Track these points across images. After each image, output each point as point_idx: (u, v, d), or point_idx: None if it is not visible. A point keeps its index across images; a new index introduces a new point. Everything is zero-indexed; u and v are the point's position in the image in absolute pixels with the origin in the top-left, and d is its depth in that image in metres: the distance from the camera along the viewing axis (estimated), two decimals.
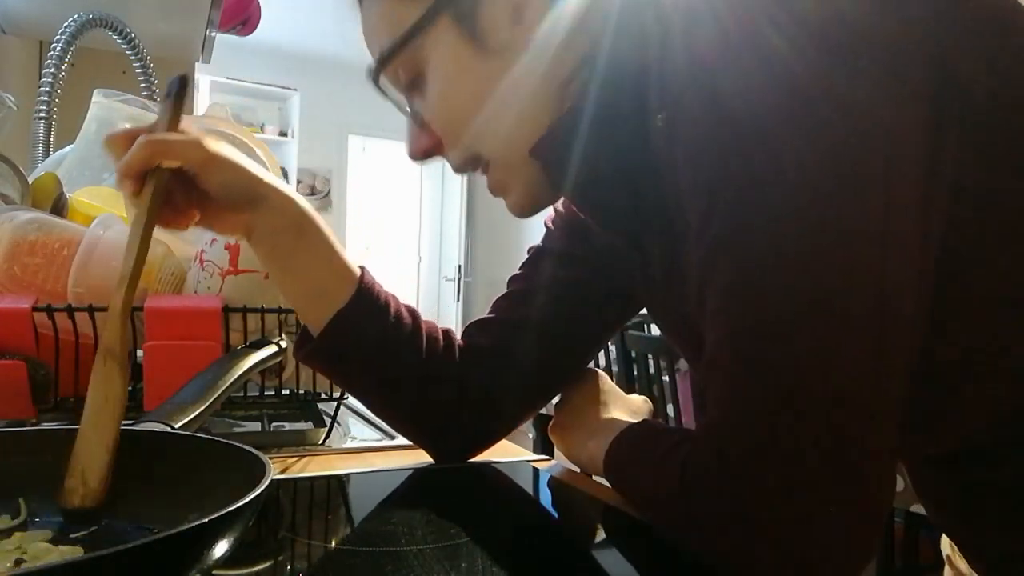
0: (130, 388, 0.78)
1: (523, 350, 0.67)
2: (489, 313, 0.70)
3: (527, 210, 0.59)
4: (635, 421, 0.62)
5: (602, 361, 2.44)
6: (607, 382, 0.71)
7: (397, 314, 0.63)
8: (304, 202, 0.59)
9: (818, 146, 0.40)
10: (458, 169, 0.59)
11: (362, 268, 0.63)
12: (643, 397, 0.72)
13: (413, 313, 0.65)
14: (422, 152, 0.58)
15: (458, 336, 0.69)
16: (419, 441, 0.68)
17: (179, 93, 0.53)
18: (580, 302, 0.68)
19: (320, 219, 0.60)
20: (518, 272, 0.72)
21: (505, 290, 0.71)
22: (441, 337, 0.66)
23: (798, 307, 0.40)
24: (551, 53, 0.53)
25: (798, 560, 0.40)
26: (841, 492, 0.39)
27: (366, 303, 0.61)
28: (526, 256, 0.73)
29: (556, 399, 0.72)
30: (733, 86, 0.41)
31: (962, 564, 0.65)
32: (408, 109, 0.60)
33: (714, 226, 0.42)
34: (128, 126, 1.04)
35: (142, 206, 0.50)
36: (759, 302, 0.41)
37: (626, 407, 0.68)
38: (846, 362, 0.39)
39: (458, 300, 6.10)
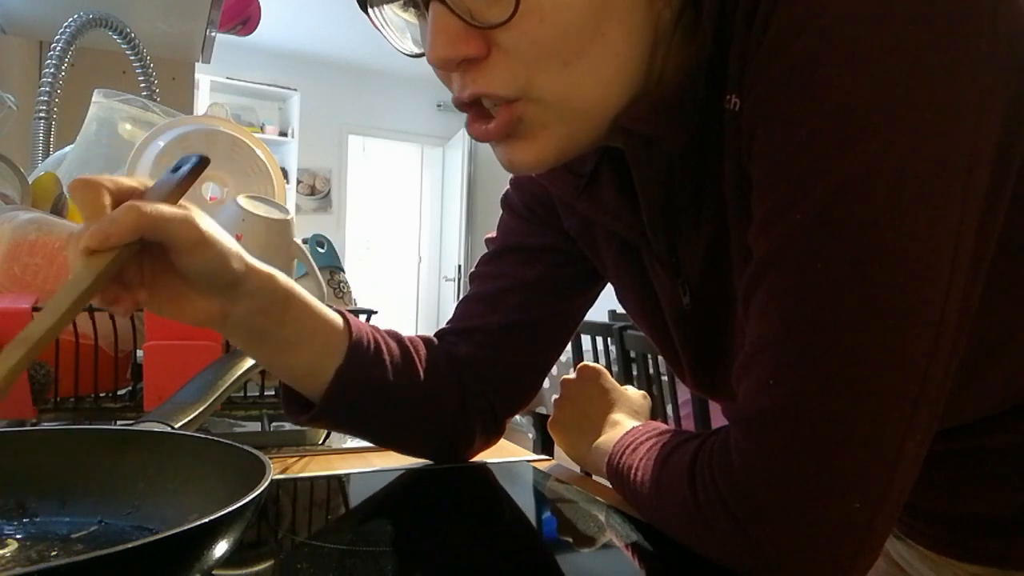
0: (130, 388, 0.78)
1: (508, 355, 0.67)
2: (462, 319, 0.69)
3: (541, 166, 0.48)
4: (638, 423, 0.62)
5: (602, 360, 2.44)
6: (608, 379, 0.71)
7: (388, 350, 0.61)
8: (283, 276, 0.53)
9: (920, 150, 0.38)
10: (485, 95, 0.46)
11: (343, 315, 0.59)
12: (642, 392, 0.71)
13: (399, 340, 0.63)
14: (460, 59, 0.44)
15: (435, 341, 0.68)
16: (424, 456, 0.68)
17: (194, 171, 0.46)
18: (553, 296, 0.67)
19: (298, 287, 0.54)
20: (481, 269, 0.70)
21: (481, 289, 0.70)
22: (430, 355, 0.65)
23: (867, 309, 0.39)
24: None
25: (831, 547, 0.40)
26: (871, 486, 0.40)
27: (361, 353, 0.58)
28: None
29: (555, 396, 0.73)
30: (837, 72, 0.39)
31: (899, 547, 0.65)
32: None
33: (794, 214, 0.40)
34: (128, 126, 1.04)
35: (88, 272, 0.41)
36: (826, 299, 0.40)
37: (628, 406, 0.68)
38: (901, 366, 0.39)
39: (458, 300, 6.09)
